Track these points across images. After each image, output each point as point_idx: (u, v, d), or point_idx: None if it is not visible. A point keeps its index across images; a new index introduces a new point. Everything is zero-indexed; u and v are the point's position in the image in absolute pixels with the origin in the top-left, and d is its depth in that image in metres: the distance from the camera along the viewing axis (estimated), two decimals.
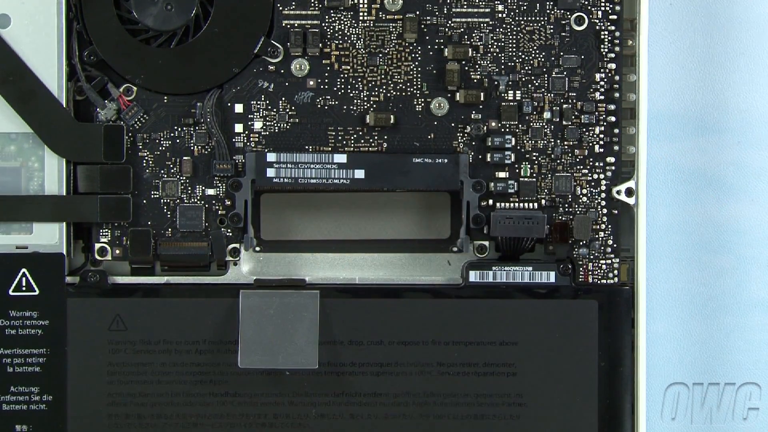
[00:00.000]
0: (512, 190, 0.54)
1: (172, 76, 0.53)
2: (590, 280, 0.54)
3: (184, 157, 0.54)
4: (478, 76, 0.54)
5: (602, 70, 0.54)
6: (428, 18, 0.54)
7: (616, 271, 0.54)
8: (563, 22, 0.54)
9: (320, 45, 0.54)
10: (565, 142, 0.54)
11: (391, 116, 0.54)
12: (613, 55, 0.54)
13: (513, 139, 0.54)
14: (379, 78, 0.54)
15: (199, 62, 0.53)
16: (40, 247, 0.53)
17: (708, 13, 0.60)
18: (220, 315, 0.53)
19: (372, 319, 0.54)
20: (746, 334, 0.61)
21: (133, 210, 0.53)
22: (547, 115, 0.54)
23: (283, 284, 0.54)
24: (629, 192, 0.54)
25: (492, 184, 0.54)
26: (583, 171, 0.54)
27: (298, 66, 0.54)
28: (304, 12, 0.54)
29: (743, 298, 0.61)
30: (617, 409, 0.54)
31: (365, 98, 0.54)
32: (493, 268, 0.54)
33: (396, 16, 0.54)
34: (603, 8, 0.54)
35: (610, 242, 0.54)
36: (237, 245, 0.54)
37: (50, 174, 0.53)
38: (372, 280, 0.55)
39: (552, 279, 0.54)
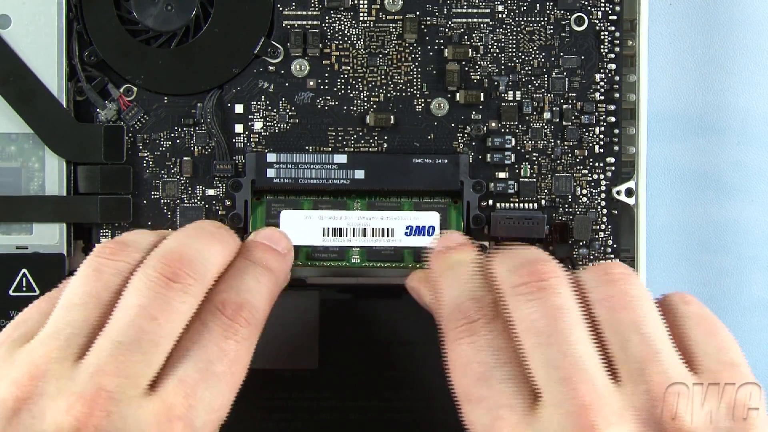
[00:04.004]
0: (512, 191, 0.54)
1: (172, 76, 0.53)
2: None
3: (185, 158, 0.54)
4: (478, 77, 0.54)
5: (602, 71, 0.54)
6: (428, 18, 0.54)
7: None
8: (563, 22, 0.54)
9: (320, 45, 0.54)
10: (565, 143, 0.54)
11: (391, 116, 0.54)
12: (613, 56, 0.54)
13: (513, 140, 0.54)
14: (379, 78, 0.54)
15: (199, 63, 0.53)
16: (40, 247, 0.53)
17: (708, 13, 0.60)
18: None
19: (372, 319, 0.54)
20: (746, 334, 0.61)
21: (133, 210, 0.54)
22: (547, 115, 0.54)
23: None
24: (629, 192, 0.54)
25: (492, 184, 0.54)
26: (583, 171, 0.54)
27: (298, 66, 0.54)
28: (304, 12, 0.54)
29: (743, 299, 0.61)
30: None
31: (365, 98, 0.54)
32: None
33: (396, 17, 0.54)
34: (603, 9, 0.54)
35: (610, 242, 0.54)
36: None
37: (50, 174, 0.53)
38: (372, 280, 0.55)
39: None
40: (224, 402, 0.42)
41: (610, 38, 0.54)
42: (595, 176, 0.54)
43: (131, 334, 0.41)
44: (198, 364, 0.41)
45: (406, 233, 0.51)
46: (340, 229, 0.52)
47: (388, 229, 0.52)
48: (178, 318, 0.42)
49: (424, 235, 0.51)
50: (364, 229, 0.52)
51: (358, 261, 0.52)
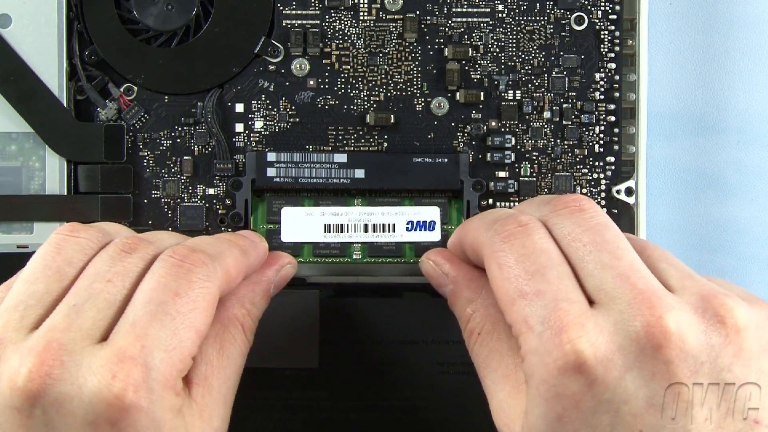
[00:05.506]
0: (512, 190, 0.54)
1: (173, 75, 0.53)
2: None
3: (185, 157, 0.54)
4: (478, 76, 0.54)
5: (602, 70, 0.54)
6: (428, 18, 0.54)
7: None
8: (563, 22, 0.54)
9: (320, 45, 0.54)
10: (565, 142, 0.54)
11: (391, 116, 0.54)
12: (613, 55, 0.54)
13: (513, 139, 0.54)
14: (379, 78, 0.54)
15: (199, 62, 0.53)
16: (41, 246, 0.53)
17: (708, 13, 0.60)
18: None
19: (372, 319, 0.54)
20: None
21: (133, 210, 0.54)
22: (547, 114, 0.54)
23: None
24: (629, 192, 0.54)
25: (492, 183, 0.54)
26: (583, 170, 0.54)
27: (298, 66, 0.54)
28: (304, 12, 0.54)
29: None
30: None
31: (365, 98, 0.54)
32: None
33: (396, 16, 0.54)
34: (603, 8, 0.54)
35: None
36: None
37: (51, 174, 0.53)
38: (372, 279, 0.55)
39: None
40: (182, 340, 0.41)
41: (610, 37, 0.54)
42: (595, 175, 0.54)
43: (85, 296, 0.42)
44: (148, 307, 0.41)
45: (407, 228, 0.51)
46: (342, 225, 0.52)
47: (389, 224, 0.52)
48: (131, 276, 0.43)
49: (425, 230, 0.51)
50: (366, 225, 0.52)
51: (360, 257, 0.52)
